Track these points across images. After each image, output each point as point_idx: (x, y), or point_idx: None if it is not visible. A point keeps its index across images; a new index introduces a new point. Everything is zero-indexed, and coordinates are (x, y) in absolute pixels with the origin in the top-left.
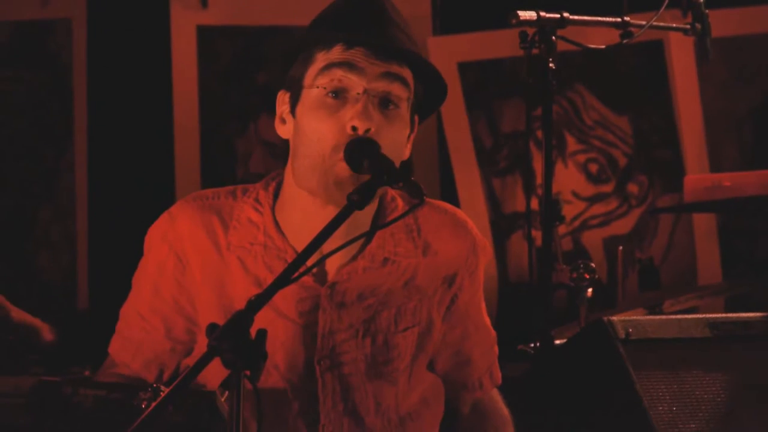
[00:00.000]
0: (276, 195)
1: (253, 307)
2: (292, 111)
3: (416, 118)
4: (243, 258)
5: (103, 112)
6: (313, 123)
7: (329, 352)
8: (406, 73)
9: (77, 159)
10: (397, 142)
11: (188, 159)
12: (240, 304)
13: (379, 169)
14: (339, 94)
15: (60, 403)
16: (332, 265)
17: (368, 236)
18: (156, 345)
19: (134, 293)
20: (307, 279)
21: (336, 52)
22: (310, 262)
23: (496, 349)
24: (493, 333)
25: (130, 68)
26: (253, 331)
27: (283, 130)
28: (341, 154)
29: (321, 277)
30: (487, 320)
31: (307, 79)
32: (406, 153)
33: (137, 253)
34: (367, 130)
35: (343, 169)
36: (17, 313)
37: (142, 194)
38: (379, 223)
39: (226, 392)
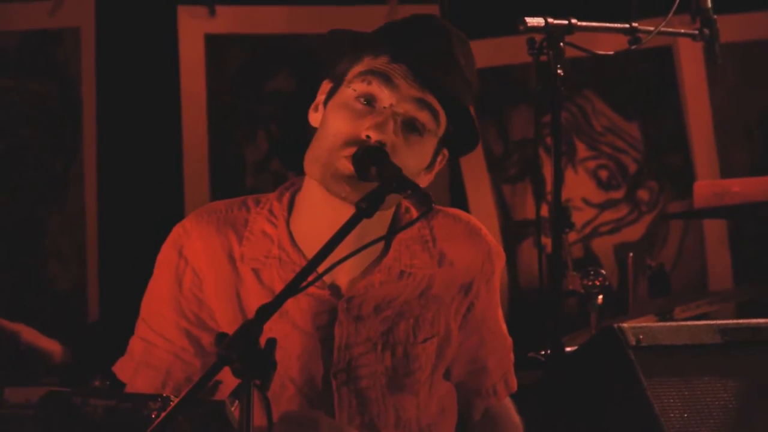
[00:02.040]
0: (290, 206)
1: (263, 316)
2: (326, 102)
3: (445, 152)
4: (258, 270)
5: (111, 122)
6: (336, 121)
7: (345, 365)
8: (439, 108)
9: (86, 168)
10: (410, 167)
11: (197, 167)
12: None
13: (388, 176)
14: (368, 101)
15: (70, 413)
16: (347, 278)
17: (376, 242)
18: (187, 367)
19: (152, 316)
20: (323, 293)
21: (380, 62)
22: (320, 270)
23: (511, 356)
24: (510, 340)
25: (138, 77)
26: (263, 341)
27: (314, 118)
28: (346, 152)
29: (337, 290)
30: (504, 327)
31: (348, 77)
32: (423, 182)
33: (147, 262)
34: (379, 142)
35: (344, 166)
36: (29, 335)
37: (151, 203)
38: (396, 225)
39: (236, 402)
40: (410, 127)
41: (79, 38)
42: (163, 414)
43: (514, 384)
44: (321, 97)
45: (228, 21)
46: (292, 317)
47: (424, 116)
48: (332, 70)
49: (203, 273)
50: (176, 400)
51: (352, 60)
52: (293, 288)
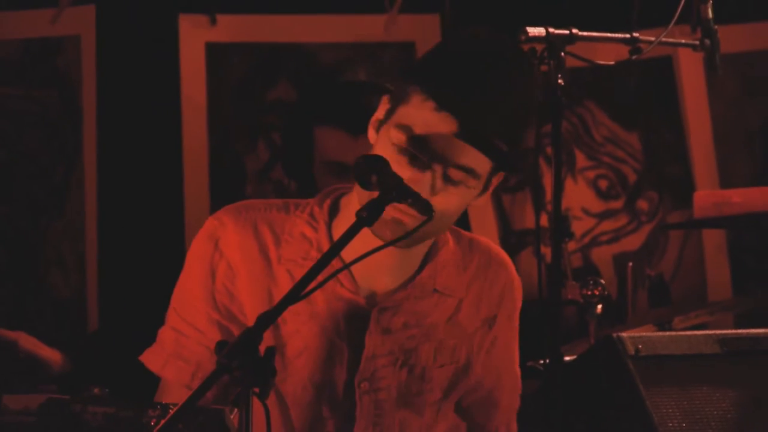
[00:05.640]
0: (331, 211)
1: (262, 324)
2: (378, 129)
3: (500, 175)
4: (293, 272)
5: (112, 130)
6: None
7: (370, 375)
8: (483, 159)
9: (87, 176)
10: (451, 213)
11: (197, 176)
12: (287, 317)
13: (388, 185)
14: (407, 153)
15: (69, 420)
16: (382, 289)
17: (376, 250)
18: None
19: (184, 307)
20: (359, 299)
21: (425, 111)
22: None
23: (518, 400)
24: (520, 383)
25: (139, 85)
26: (279, 344)
27: (371, 135)
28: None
29: (371, 299)
30: (518, 368)
31: (396, 115)
32: (478, 203)
33: (147, 272)
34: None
35: (386, 212)
36: (28, 343)
37: (152, 211)
38: (430, 258)
39: (236, 410)
40: (449, 181)
41: (79, 46)
42: (163, 421)
43: (515, 430)
44: (380, 114)
45: (229, 30)
46: (322, 320)
47: (461, 176)
48: (394, 88)
49: (237, 267)
50: (175, 408)
51: (402, 93)
52: (293, 297)
